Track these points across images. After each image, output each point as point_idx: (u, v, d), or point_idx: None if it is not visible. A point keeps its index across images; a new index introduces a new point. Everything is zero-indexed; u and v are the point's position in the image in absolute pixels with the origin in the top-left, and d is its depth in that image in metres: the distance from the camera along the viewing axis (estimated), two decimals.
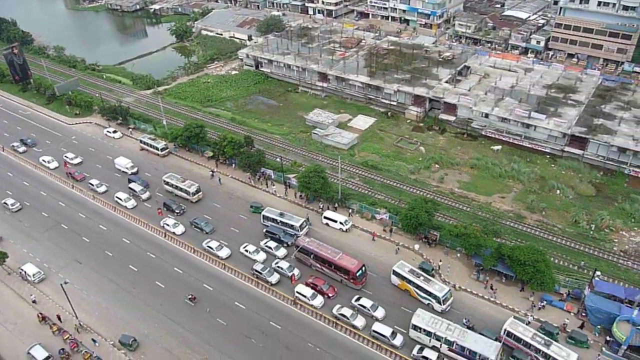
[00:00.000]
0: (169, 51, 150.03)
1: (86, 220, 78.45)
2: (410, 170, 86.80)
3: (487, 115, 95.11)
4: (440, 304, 60.00)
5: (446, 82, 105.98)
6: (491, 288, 63.68)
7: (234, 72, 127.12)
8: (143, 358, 57.67)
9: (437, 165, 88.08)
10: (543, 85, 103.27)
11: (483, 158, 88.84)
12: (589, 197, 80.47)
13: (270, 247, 70.25)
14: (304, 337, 58.76)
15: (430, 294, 60.65)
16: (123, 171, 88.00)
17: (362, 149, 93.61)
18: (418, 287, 61.65)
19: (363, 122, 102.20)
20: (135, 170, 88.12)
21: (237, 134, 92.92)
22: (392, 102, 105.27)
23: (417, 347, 56.35)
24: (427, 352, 55.43)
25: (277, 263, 67.54)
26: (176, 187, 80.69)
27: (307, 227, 73.06)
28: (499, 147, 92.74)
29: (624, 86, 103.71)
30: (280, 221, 72.88)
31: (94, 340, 59.11)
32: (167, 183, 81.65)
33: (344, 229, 73.27)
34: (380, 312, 60.67)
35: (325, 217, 75.15)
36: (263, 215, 74.48)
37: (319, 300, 62.20)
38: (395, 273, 63.82)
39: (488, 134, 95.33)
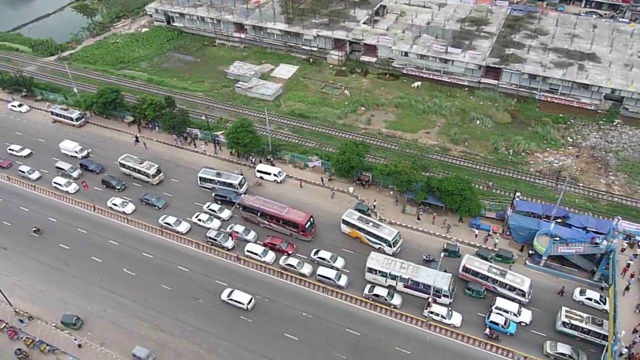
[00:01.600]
0: (68, 12, 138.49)
1: (5, 204, 73.53)
2: (338, 115, 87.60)
3: (406, 54, 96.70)
4: (391, 247, 62.13)
5: (364, 23, 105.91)
6: (418, 218, 67.10)
7: (144, 30, 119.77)
8: (90, 335, 56.57)
9: (363, 108, 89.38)
10: (457, 20, 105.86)
11: (406, 96, 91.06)
12: (505, 125, 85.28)
13: (214, 210, 69.21)
14: (253, 290, 59.76)
15: (380, 238, 62.50)
16: (72, 156, 79.57)
17: (287, 99, 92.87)
18: (368, 233, 63.22)
19: (286, 71, 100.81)
20: (85, 153, 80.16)
21: (156, 96, 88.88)
22: (312, 48, 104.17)
23: (368, 286, 58.76)
24: (377, 290, 58.02)
25: (232, 227, 66.43)
26: (134, 170, 74.50)
27: (246, 183, 72.57)
28: (419, 83, 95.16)
29: (530, 15, 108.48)
30: (218, 181, 71.75)
31: (20, 321, 57.15)
32: (123, 165, 75.22)
33: (279, 181, 73.61)
34: (340, 262, 62.13)
35: (258, 171, 74.94)
36: (200, 177, 72.86)
37: (270, 256, 62.78)
38: (345, 222, 64.95)
39: (409, 72, 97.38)
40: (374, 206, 69.21)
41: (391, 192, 71.12)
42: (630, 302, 50.85)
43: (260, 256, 62.49)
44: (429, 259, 61.91)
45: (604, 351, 49.28)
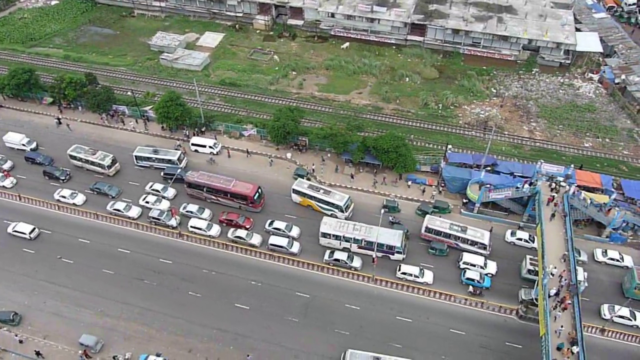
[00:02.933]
0: None
1: None
2: (269, 82, 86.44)
3: (333, 15, 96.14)
4: (343, 212, 62.92)
5: None
6: (351, 177, 68.47)
7: (54, 3, 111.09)
8: (31, 329, 54.31)
9: (294, 72, 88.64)
10: None
11: (336, 58, 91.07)
12: (433, 80, 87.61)
13: (157, 190, 66.90)
14: (199, 265, 59.33)
15: (332, 204, 63.10)
16: (19, 149, 73.29)
17: (216, 68, 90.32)
18: (319, 200, 63.65)
19: (212, 39, 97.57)
20: (34, 146, 73.62)
21: (76, 73, 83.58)
22: (237, 14, 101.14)
23: (328, 252, 59.59)
24: (337, 254, 58.98)
25: (185, 208, 64.61)
26: (86, 162, 69.30)
27: (185, 158, 70.69)
28: (348, 44, 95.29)
29: None
30: (156, 158, 69.36)
31: None
32: (73, 157, 69.75)
33: (215, 152, 72.34)
34: (295, 231, 62.27)
35: (193, 144, 73.18)
36: (135, 156, 69.97)
37: (215, 230, 62.11)
38: (296, 191, 64.97)
39: (337, 33, 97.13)
40: (313, 170, 69.81)
41: (329, 155, 71.85)
42: (556, 231, 55.26)
43: (204, 230, 61.76)
44: (395, 221, 63.39)
45: (535, 285, 53.43)
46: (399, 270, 57.63)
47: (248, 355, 51.04)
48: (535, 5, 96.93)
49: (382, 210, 60.39)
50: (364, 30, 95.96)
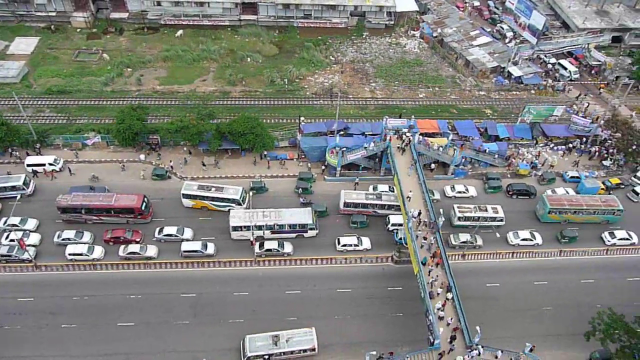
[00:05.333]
0: None
1: None
2: (104, 83, 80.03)
3: (159, 3, 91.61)
4: (241, 204, 61.18)
5: None
6: (216, 166, 67.47)
7: None
8: None
9: (129, 69, 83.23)
10: None
11: (172, 48, 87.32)
12: (274, 56, 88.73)
13: (15, 225, 58.05)
14: (68, 294, 54.00)
15: (228, 200, 61.05)
16: None
17: (38, 76, 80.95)
18: (213, 199, 61.18)
19: (25, 45, 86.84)
20: None
21: None
22: (50, 14, 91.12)
23: (257, 244, 57.99)
24: (268, 245, 57.88)
25: (60, 236, 57.66)
26: None
27: (32, 181, 63.00)
28: (181, 32, 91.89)
29: None
30: None
31: None
32: None
33: (57, 169, 65.59)
34: (188, 233, 59.36)
35: (28, 165, 65.27)
36: None
37: (98, 252, 56.89)
38: (186, 195, 61.65)
39: (167, 22, 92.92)
40: (172, 167, 67.09)
41: (185, 149, 69.50)
42: (411, 178, 60.49)
43: (87, 255, 56.24)
44: (305, 201, 63.64)
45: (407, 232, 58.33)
46: (339, 243, 59.15)
47: None
48: None
49: (251, 193, 60.46)
50: (195, 15, 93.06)
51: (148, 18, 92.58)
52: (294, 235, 59.70)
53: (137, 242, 58.20)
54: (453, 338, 45.66)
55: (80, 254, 56.44)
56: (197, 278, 56.53)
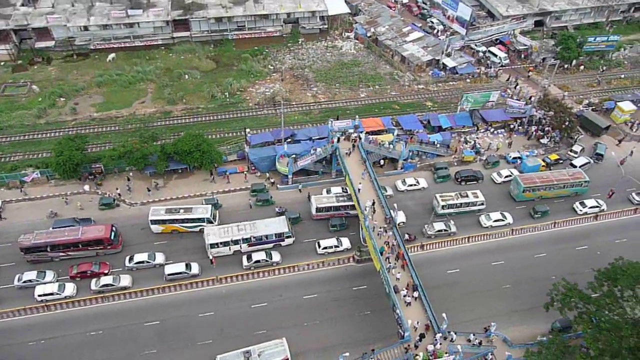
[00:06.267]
0: None
1: None
2: (36, 115, 76.48)
3: (86, 28, 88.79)
4: (213, 222, 60.30)
5: (22, 5, 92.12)
6: (155, 188, 65.80)
7: None
8: None
9: (62, 99, 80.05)
10: None
11: (105, 73, 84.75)
12: (212, 71, 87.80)
13: None
14: (24, 340, 51.13)
15: (198, 219, 59.89)
16: None
17: None
18: (183, 220, 59.82)
19: None
20: None
21: None
22: None
23: (244, 257, 57.55)
24: (255, 256, 57.58)
25: (20, 279, 54.35)
26: None
27: None
28: (113, 55, 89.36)
29: None
30: None
31: None
32: None
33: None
34: (160, 257, 57.73)
35: None
36: None
37: (70, 289, 54.24)
38: (154, 221, 59.96)
39: (97, 46, 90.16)
40: (119, 194, 64.98)
41: (131, 174, 67.50)
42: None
43: (58, 293, 53.58)
44: (281, 210, 63.09)
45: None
46: (319, 246, 59.30)
47: None
48: None
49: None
50: (126, 37, 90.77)
51: (76, 44, 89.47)
52: (271, 245, 59.53)
53: (106, 274, 56.24)
54: (422, 336, 46.31)
55: (51, 294, 53.79)
56: (159, 304, 54.85)
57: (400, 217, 62.47)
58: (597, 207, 66.32)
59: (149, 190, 65.24)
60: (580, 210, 66.15)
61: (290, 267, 58.11)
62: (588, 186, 68.01)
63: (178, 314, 53.96)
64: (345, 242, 60.57)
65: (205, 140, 66.49)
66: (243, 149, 69.91)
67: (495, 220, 63.86)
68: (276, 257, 58.50)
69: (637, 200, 67.61)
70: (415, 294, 49.67)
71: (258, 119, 78.55)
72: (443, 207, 64.02)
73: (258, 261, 57.85)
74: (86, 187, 65.67)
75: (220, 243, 57.94)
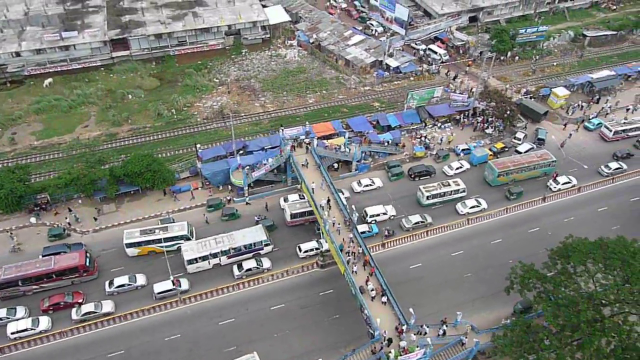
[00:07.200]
0: None
1: None
2: None
3: (18, 54, 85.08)
4: (191, 238, 59.00)
5: None
6: (99, 213, 63.61)
7: None
8: None
9: None
10: (56, 2, 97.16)
11: (42, 99, 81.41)
12: (156, 89, 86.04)
13: None
14: None
15: (176, 237, 58.59)
16: None
17: None
18: (160, 240, 58.23)
19: None
20: None
21: None
22: None
23: (235, 267, 57.25)
24: (246, 264, 57.56)
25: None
26: None
27: None
28: (50, 80, 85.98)
29: None
30: None
31: None
32: None
33: None
34: (141, 279, 56.06)
35: None
36: None
37: (44, 323, 51.52)
38: (130, 244, 58.06)
39: (32, 72, 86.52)
40: (69, 224, 62.42)
41: (80, 201, 65.03)
42: (318, 182, 61.43)
43: (33, 329, 50.81)
44: (259, 218, 62.54)
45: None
46: (300, 250, 59.53)
47: None
48: None
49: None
50: (62, 60, 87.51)
51: (8, 71, 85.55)
52: (251, 255, 59.02)
53: (81, 303, 54.02)
54: (390, 341, 46.57)
55: (26, 329, 51.01)
56: (124, 332, 52.86)
57: (390, 211, 64.83)
58: (569, 182, 70.42)
59: (95, 220, 62.98)
60: (554, 187, 69.92)
61: (254, 280, 57.48)
62: (555, 165, 71.49)
63: (143, 340, 52.14)
64: (326, 244, 60.63)
65: (156, 159, 65.00)
66: (195, 165, 68.76)
67: (472, 207, 66.12)
68: (266, 263, 58.58)
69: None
70: (384, 299, 49.92)
71: (208, 133, 77.50)
72: (428, 197, 65.89)
73: (250, 269, 57.67)
74: (32, 220, 62.70)
75: (199, 258, 57.19)
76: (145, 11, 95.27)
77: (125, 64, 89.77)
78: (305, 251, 59.91)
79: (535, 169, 70.90)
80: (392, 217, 64.76)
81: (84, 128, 77.70)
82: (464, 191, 67.32)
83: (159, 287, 55.29)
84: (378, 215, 64.48)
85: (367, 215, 64.26)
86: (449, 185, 66.96)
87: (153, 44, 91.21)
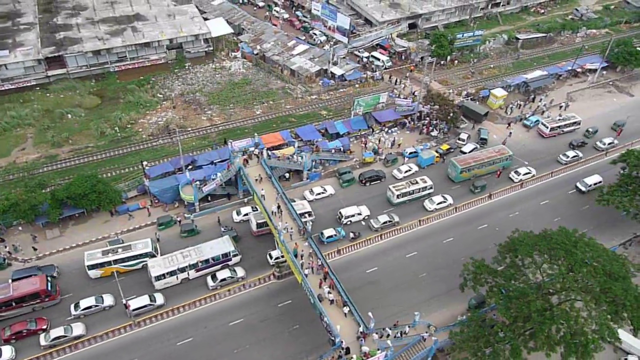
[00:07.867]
0: None
1: None
2: None
3: None
4: (156, 255, 57.45)
5: None
6: (34, 240, 60.90)
7: None
8: None
9: None
10: None
11: None
12: (97, 107, 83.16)
13: None
14: None
15: (140, 255, 56.94)
16: None
17: None
18: (124, 260, 56.26)
19: None
20: None
21: None
22: None
23: (209, 278, 56.95)
24: (220, 274, 56.85)
25: None
26: None
27: None
28: None
29: None
30: None
31: None
32: None
33: None
34: (109, 299, 54.61)
35: None
36: None
37: (8, 353, 48.51)
38: (92, 266, 55.64)
39: None
40: (10, 252, 59.02)
41: (20, 228, 61.77)
42: (271, 193, 61.09)
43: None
44: (228, 228, 62.61)
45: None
46: (271, 258, 59.39)
47: None
48: (160, 7, 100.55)
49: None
50: None
51: None
52: (219, 267, 57.99)
53: (45, 329, 51.30)
54: (348, 350, 46.51)
55: None
56: (132, 341, 51.73)
57: (365, 211, 66.04)
58: (529, 173, 74.05)
59: (35, 249, 59.93)
60: (516, 178, 73.52)
61: (210, 297, 56.35)
62: (512, 159, 74.71)
63: (152, 348, 51.18)
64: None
65: (100, 180, 62.72)
66: (143, 183, 66.88)
67: (439, 203, 68.13)
68: (240, 272, 58.28)
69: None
70: (346, 310, 49.83)
71: (154, 150, 75.61)
72: (398, 196, 67.14)
73: (224, 279, 57.01)
74: None
75: (167, 274, 55.83)
76: (81, 27, 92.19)
77: (62, 83, 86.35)
78: (276, 258, 59.74)
79: (495, 163, 73.90)
80: (367, 217, 66.04)
81: (21, 151, 74.00)
82: (431, 188, 69.30)
83: (135, 303, 53.52)
84: (353, 215, 65.37)
85: (342, 216, 65.09)
86: (417, 183, 68.87)
87: (91, 60, 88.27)
